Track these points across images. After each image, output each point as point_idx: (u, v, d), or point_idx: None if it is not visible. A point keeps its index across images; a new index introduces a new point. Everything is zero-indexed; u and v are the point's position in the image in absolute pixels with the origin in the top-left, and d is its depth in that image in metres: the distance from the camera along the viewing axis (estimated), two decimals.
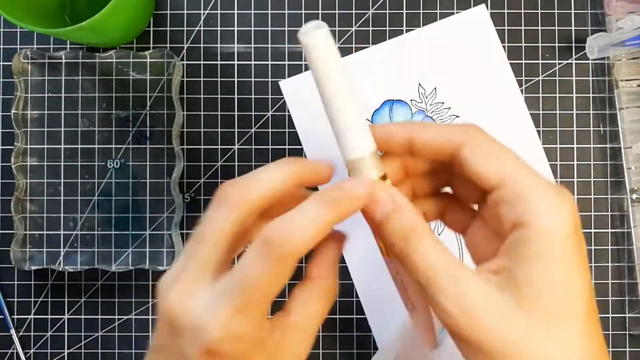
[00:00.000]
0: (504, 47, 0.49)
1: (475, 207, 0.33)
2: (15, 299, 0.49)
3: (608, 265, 0.49)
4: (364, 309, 0.48)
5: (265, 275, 0.27)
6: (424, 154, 0.31)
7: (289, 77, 0.49)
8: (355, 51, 0.49)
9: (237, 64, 0.49)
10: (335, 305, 0.48)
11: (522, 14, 0.49)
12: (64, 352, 0.48)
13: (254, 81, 0.49)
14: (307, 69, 0.49)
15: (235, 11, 0.49)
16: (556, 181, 0.49)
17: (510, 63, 0.49)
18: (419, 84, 0.49)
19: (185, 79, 0.49)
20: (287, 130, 0.49)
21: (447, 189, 0.34)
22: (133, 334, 0.48)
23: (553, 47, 0.49)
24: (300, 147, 0.48)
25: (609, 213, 0.49)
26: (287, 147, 0.49)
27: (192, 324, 0.28)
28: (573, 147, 0.49)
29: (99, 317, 0.48)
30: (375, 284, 0.48)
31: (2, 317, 0.48)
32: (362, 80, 0.49)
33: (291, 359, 0.30)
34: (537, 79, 0.49)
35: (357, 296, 0.48)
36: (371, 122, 0.48)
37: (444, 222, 0.34)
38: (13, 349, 0.48)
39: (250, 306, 0.27)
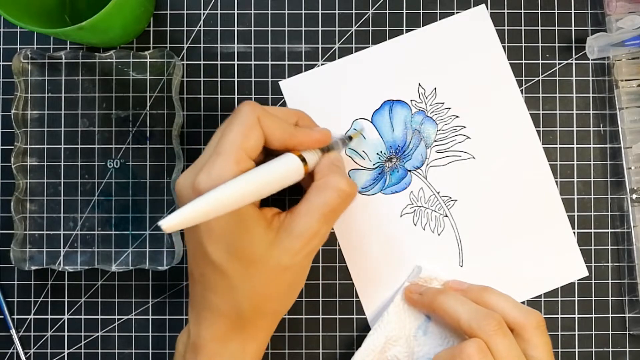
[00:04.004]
0: (504, 47, 0.49)
1: None
2: (15, 299, 0.49)
3: (608, 265, 0.49)
4: (363, 308, 0.48)
5: (236, 128, 0.39)
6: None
7: (289, 77, 0.49)
8: (355, 51, 0.49)
9: (237, 64, 0.49)
10: (335, 305, 0.48)
11: (522, 14, 0.49)
12: (64, 352, 0.48)
13: (254, 81, 0.49)
14: (307, 68, 0.49)
15: (235, 11, 0.49)
16: (556, 181, 0.49)
17: (510, 63, 0.49)
18: (419, 84, 0.49)
19: (185, 79, 0.49)
20: None
21: None
22: (133, 334, 0.48)
23: (553, 47, 0.49)
24: None
25: (609, 213, 0.49)
26: None
27: (180, 182, 0.40)
28: (573, 147, 0.49)
29: (99, 317, 0.48)
30: (375, 284, 0.48)
31: (2, 317, 0.48)
32: (362, 80, 0.49)
33: (293, 233, 0.39)
34: (537, 79, 0.49)
35: (357, 296, 0.48)
36: (371, 122, 0.49)
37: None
38: (13, 349, 0.48)
39: (223, 150, 0.38)
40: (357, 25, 0.49)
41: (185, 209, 0.34)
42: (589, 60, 0.49)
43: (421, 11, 0.49)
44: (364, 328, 0.48)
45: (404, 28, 0.49)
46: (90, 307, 0.49)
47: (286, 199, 0.48)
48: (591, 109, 0.49)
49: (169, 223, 0.33)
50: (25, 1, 0.43)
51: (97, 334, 0.48)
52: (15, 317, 0.49)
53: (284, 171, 0.39)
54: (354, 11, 0.49)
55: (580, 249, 0.48)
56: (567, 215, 0.48)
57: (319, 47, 0.49)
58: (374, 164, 0.49)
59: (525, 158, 0.49)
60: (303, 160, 0.40)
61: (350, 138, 0.47)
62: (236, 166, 0.38)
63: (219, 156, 0.38)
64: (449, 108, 0.49)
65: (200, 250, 0.39)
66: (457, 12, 0.49)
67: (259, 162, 0.40)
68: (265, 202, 0.42)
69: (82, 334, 0.48)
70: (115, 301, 0.49)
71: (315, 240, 0.40)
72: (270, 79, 0.49)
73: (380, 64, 0.49)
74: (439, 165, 0.48)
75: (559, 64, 0.49)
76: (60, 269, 0.47)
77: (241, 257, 0.39)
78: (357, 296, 0.48)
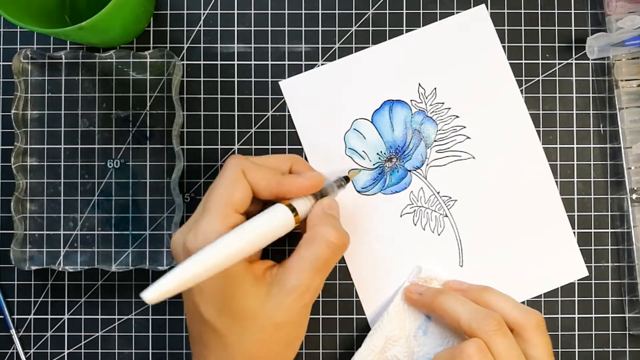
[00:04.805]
0: (504, 47, 0.49)
1: None
2: (15, 299, 0.49)
3: (608, 265, 0.49)
4: (363, 308, 0.48)
5: (220, 184, 0.39)
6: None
7: (289, 77, 0.49)
8: (355, 51, 0.49)
9: (237, 64, 0.49)
10: (335, 305, 0.48)
11: (522, 14, 0.49)
12: (64, 352, 0.48)
13: (254, 81, 0.49)
14: (307, 68, 0.49)
15: (235, 11, 0.49)
16: (556, 181, 0.49)
17: (510, 63, 0.49)
18: (419, 84, 0.49)
19: (185, 79, 0.49)
20: (287, 130, 0.49)
21: None
22: (133, 334, 0.48)
23: (553, 47, 0.49)
24: (300, 147, 0.49)
25: (609, 213, 0.49)
26: (287, 147, 0.49)
27: (174, 242, 0.40)
28: (573, 147, 0.49)
29: (99, 317, 0.48)
30: (375, 284, 0.48)
31: (2, 317, 0.48)
32: (362, 80, 0.49)
33: (285, 288, 0.38)
34: (537, 79, 0.49)
35: (357, 296, 0.48)
36: (371, 122, 0.49)
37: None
38: (13, 349, 0.48)
39: (210, 207, 0.38)
40: (357, 25, 0.49)
41: (165, 280, 0.32)
42: (589, 60, 0.49)
43: (421, 11, 0.49)
44: (364, 328, 0.48)
45: (404, 28, 0.49)
46: (90, 307, 0.49)
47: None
48: (591, 109, 0.49)
49: (151, 295, 0.32)
50: (25, 1, 0.43)
51: (97, 334, 0.48)
52: (15, 317, 0.49)
53: (271, 224, 0.38)
54: (354, 11, 0.49)
55: (580, 249, 0.48)
56: (567, 215, 0.48)
57: (319, 47, 0.49)
58: (374, 164, 0.49)
59: (525, 158, 0.49)
60: (293, 210, 0.40)
61: (347, 179, 0.46)
62: (222, 223, 0.37)
63: (205, 214, 0.38)
64: (449, 108, 0.49)
65: (194, 310, 0.39)
66: (457, 12, 0.49)
67: (253, 213, 0.39)
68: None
69: (82, 334, 0.48)
70: (115, 301, 0.49)
71: (308, 294, 0.39)
72: (270, 79, 0.49)
73: (380, 64, 0.49)
74: (439, 165, 0.48)
75: (559, 64, 0.49)
76: (60, 269, 0.47)
77: (233, 314, 0.38)
78: (357, 296, 0.48)
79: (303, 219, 0.41)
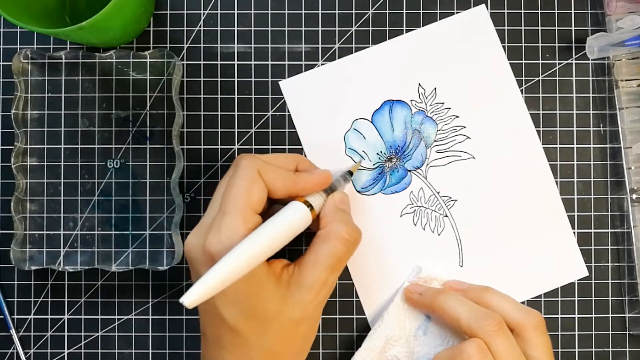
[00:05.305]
0: (504, 47, 0.49)
1: None
2: (15, 299, 0.49)
3: (608, 265, 0.49)
4: (363, 308, 0.48)
5: (238, 185, 0.38)
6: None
7: (289, 77, 0.49)
8: (355, 51, 0.49)
9: (237, 64, 0.49)
10: (335, 305, 0.48)
11: (522, 14, 0.49)
12: (64, 352, 0.48)
13: (254, 81, 0.49)
14: (307, 68, 0.49)
15: (235, 11, 0.49)
16: (556, 181, 0.49)
17: (510, 63, 0.49)
18: (419, 84, 0.49)
19: (185, 79, 0.49)
20: (287, 130, 0.49)
21: None
22: (133, 334, 0.48)
23: (553, 47, 0.49)
24: (300, 147, 0.49)
25: (609, 213, 0.49)
26: (287, 147, 0.49)
27: (189, 244, 0.40)
28: (573, 147, 0.49)
29: (99, 317, 0.48)
30: (375, 284, 0.48)
31: (2, 317, 0.48)
32: (362, 80, 0.49)
33: (303, 286, 0.39)
34: (537, 79, 0.49)
35: (357, 296, 0.48)
36: (371, 122, 0.48)
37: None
38: (13, 349, 0.48)
39: (229, 208, 0.38)
40: (357, 25, 0.49)
41: (203, 282, 0.34)
42: (589, 60, 0.49)
43: (421, 11, 0.49)
44: (364, 328, 0.48)
45: (404, 28, 0.49)
46: (90, 307, 0.49)
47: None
48: (591, 109, 0.49)
49: (191, 299, 0.33)
50: (25, 1, 0.43)
51: (97, 334, 0.48)
52: (15, 317, 0.49)
53: (292, 222, 0.39)
54: (354, 11, 0.49)
55: (580, 249, 0.48)
56: (567, 215, 0.48)
57: (319, 47, 0.49)
58: (374, 164, 0.49)
59: (525, 158, 0.49)
60: (309, 205, 0.40)
61: (350, 173, 0.47)
62: (244, 225, 0.38)
63: (225, 216, 0.38)
64: (449, 108, 0.49)
65: (214, 312, 0.39)
66: (457, 12, 0.49)
67: (263, 212, 0.40)
68: None
69: (82, 334, 0.48)
70: (115, 301, 0.49)
71: (324, 290, 0.40)
72: (270, 79, 0.49)
73: (380, 64, 0.49)
74: (439, 165, 0.48)
75: (559, 64, 0.49)
76: (60, 269, 0.47)
77: (255, 316, 0.39)
78: (357, 296, 0.48)
79: (317, 214, 0.42)
